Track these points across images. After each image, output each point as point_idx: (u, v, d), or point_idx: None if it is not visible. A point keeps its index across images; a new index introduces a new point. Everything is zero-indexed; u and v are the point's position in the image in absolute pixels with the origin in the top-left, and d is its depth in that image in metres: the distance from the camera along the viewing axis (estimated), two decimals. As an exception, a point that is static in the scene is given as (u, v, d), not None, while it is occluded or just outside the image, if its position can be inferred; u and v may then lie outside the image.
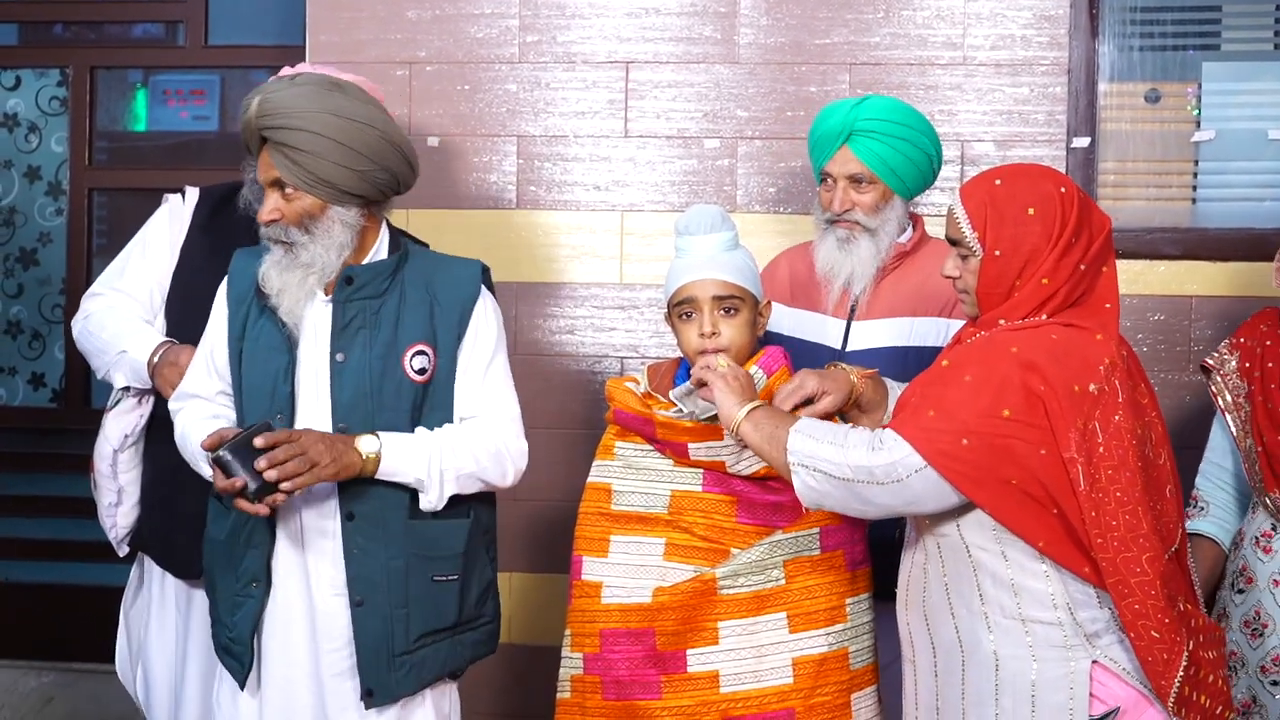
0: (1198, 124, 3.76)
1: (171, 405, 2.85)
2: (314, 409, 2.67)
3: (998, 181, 2.36)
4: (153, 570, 3.16)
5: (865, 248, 3.03)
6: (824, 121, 3.07)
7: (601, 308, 3.86)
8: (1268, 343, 2.90)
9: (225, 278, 2.80)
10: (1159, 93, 3.78)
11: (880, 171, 3.02)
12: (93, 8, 4.77)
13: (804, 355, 3.08)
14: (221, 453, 2.47)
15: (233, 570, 2.71)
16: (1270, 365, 2.88)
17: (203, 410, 2.78)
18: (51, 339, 4.86)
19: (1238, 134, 3.69)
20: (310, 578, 2.68)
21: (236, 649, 2.71)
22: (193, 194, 3.15)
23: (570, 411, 3.85)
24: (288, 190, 2.63)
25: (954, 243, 2.40)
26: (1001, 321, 2.34)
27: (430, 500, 2.66)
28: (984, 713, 2.30)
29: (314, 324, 2.70)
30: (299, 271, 2.65)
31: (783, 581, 2.55)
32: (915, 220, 3.16)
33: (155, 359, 2.97)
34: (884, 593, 2.82)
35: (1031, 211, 2.31)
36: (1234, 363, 2.94)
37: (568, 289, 3.87)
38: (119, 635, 3.25)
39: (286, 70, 3.07)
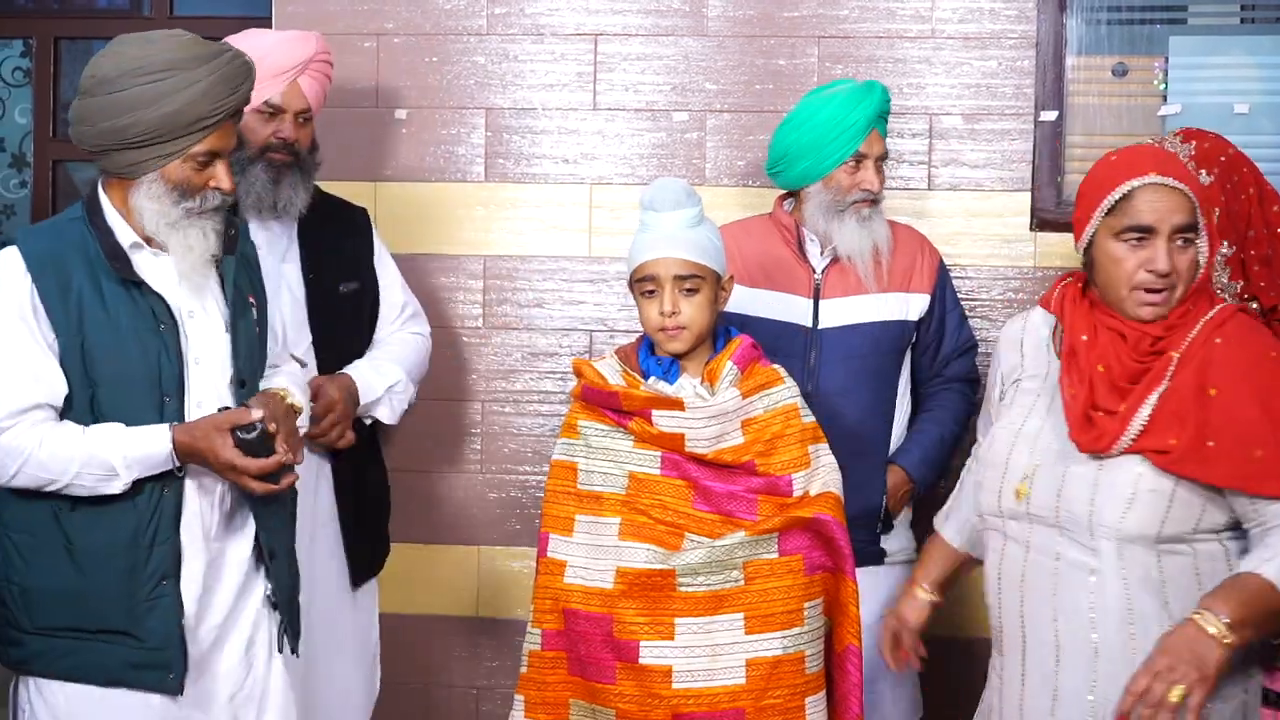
0: (1164, 98, 3.77)
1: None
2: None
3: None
4: None
5: (879, 219, 3.23)
6: (855, 108, 3.18)
7: (570, 281, 3.86)
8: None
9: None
10: (1126, 66, 3.79)
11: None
12: (56, -23, 4.74)
13: (777, 335, 3.11)
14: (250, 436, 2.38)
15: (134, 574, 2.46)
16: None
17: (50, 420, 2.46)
18: (17, 312, 4.82)
19: (1204, 108, 3.69)
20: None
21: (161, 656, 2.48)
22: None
23: (538, 385, 3.85)
24: None
25: (1181, 230, 2.30)
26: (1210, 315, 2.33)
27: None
28: None
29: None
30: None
31: (742, 582, 2.53)
32: None
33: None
34: (869, 559, 3.06)
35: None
36: None
37: (536, 262, 3.86)
38: None
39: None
